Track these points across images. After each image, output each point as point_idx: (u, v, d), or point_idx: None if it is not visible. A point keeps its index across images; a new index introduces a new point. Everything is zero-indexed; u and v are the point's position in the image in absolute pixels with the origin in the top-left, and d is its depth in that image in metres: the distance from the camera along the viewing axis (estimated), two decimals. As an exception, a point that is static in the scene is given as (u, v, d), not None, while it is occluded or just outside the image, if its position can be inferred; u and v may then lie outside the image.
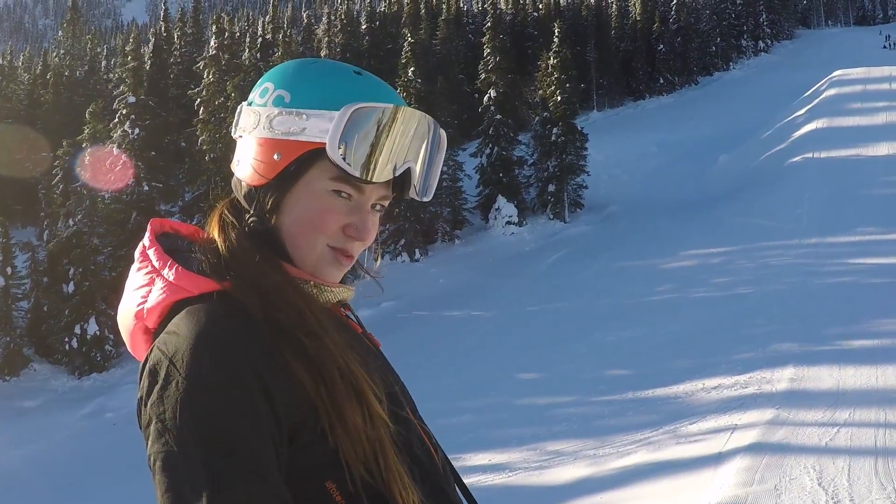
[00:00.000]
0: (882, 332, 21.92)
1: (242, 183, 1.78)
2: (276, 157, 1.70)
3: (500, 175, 48.77)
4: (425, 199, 1.86)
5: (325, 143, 1.66)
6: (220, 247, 1.71)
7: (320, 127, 1.67)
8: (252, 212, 1.76)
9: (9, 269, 37.59)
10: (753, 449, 15.26)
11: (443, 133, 1.85)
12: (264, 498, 1.42)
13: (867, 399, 17.74)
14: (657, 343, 23.47)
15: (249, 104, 1.80)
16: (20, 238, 42.24)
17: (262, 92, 1.77)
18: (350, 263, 1.80)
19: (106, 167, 40.43)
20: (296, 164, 1.70)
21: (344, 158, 1.65)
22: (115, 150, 41.63)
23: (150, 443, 1.48)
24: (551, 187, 48.53)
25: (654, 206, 44.23)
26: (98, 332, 35.97)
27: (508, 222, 46.48)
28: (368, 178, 1.68)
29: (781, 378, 19.36)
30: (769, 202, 38.39)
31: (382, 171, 1.70)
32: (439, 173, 1.88)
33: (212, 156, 42.79)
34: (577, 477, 15.45)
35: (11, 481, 23.69)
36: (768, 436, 15.90)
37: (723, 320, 24.33)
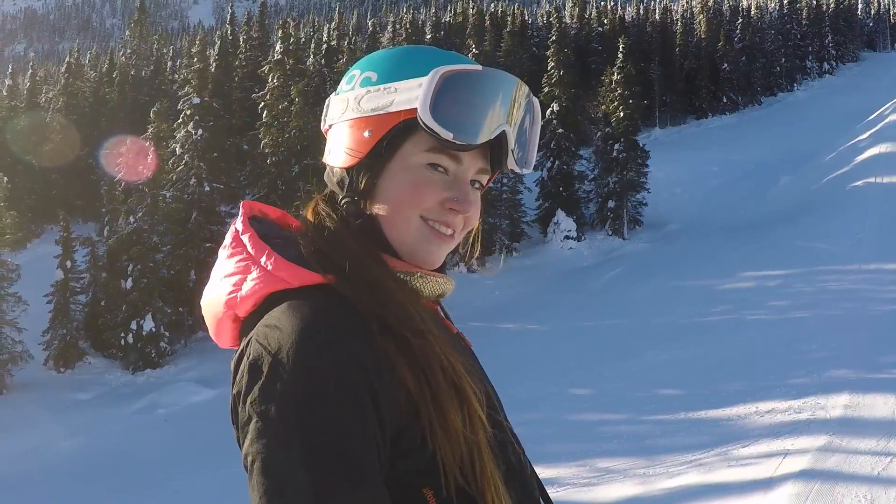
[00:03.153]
0: (938, 361, 21.69)
1: (335, 169, 1.78)
2: (366, 134, 1.68)
3: (560, 189, 48.76)
4: (525, 171, 1.82)
5: (416, 110, 1.63)
6: (316, 237, 1.69)
7: (410, 95, 1.65)
8: (344, 194, 1.75)
9: (68, 263, 38.35)
10: (805, 475, 15.15)
11: (536, 101, 1.83)
12: None
13: (921, 429, 17.60)
14: (711, 364, 23.32)
15: (337, 94, 1.80)
16: (81, 233, 42.77)
17: (349, 79, 1.78)
18: (451, 242, 1.76)
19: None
20: (388, 138, 1.67)
21: (436, 122, 1.62)
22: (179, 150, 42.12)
23: (248, 442, 1.44)
24: (611, 203, 48.48)
25: (713, 226, 43.99)
26: (154, 329, 36.45)
27: (567, 237, 46.45)
28: (462, 142, 1.65)
29: (836, 405, 19.16)
30: (829, 226, 38.04)
31: (476, 134, 1.66)
32: (537, 145, 1.86)
33: (274, 159, 43.21)
34: (626, 495, 15.34)
35: (60, 472, 24.04)
36: (820, 462, 15.77)
37: (778, 344, 24.12)
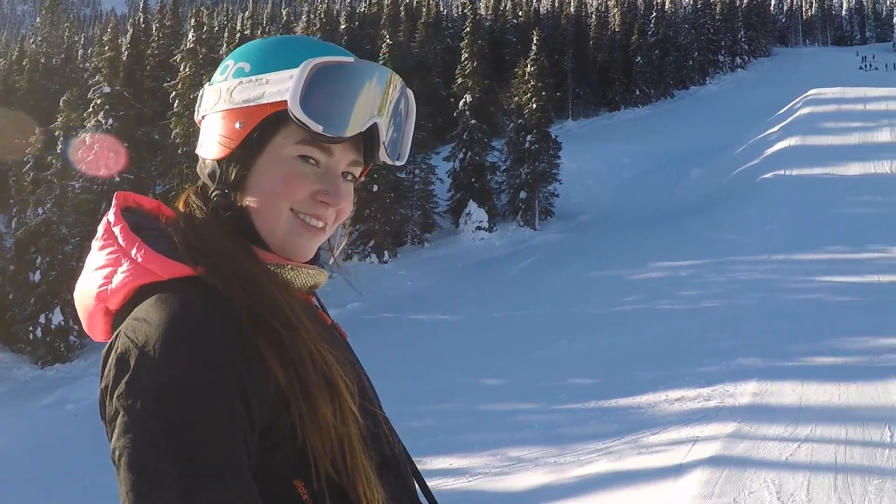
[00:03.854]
0: (845, 349, 22.06)
1: (206, 161, 1.72)
2: (237, 125, 1.64)
3: (473, 180, 48.79)
4: (398, 163, 1.80)
5: (286, 102, 1.58)
6: (187, 229, 1.64)
7: (281, 87, 1.61)
8: (215, 186, 1.70)
9: (-25, 256, 37.34)
10: (714, 462, 15.29)
11: (410, 93, 1.79)
12: (234, 502, 1.36)
13: (828, 416, 17.83)
14: (621, 353, 23.49)
15: (211, 84, 1.74)
16: (-12, 225, 41.91)
17: (223, 69, 1.72)
18: (322, 235, 1.73)
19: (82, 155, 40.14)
20: (259, 130, 1.63)
21: (306, 115, 1.58)
22: (89, 139, 41.42)
23: (115, 436, 1.39)
24: (523, 194, 48.60)
25: (625, 217, 44.33)
26: (63, 323, 35.67)
27: (478, 227, 46.45)
28: (332, 134, 1.61)
29: (744, 392, 19.41)
30: (739, 217, 38.55)
31: (346, 126, 1.63)
32: (411, 137, 1.83)
33: (185, 149, 42.55)
34: (537, 484, 15.42)
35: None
36: (729, 449, 15.94)
37: (688, 333, 24.37)
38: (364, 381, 1.77)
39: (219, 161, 1.68)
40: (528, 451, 17.01)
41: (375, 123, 1.67)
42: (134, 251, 1.57)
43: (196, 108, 1.76)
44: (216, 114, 1.68)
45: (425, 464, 16.74)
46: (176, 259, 1.56)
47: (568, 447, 16.98)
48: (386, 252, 42.91)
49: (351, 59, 1.65)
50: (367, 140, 1.71)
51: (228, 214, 1.67)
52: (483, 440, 17.99)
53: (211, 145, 1.68)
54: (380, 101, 1.68)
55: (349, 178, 1.75)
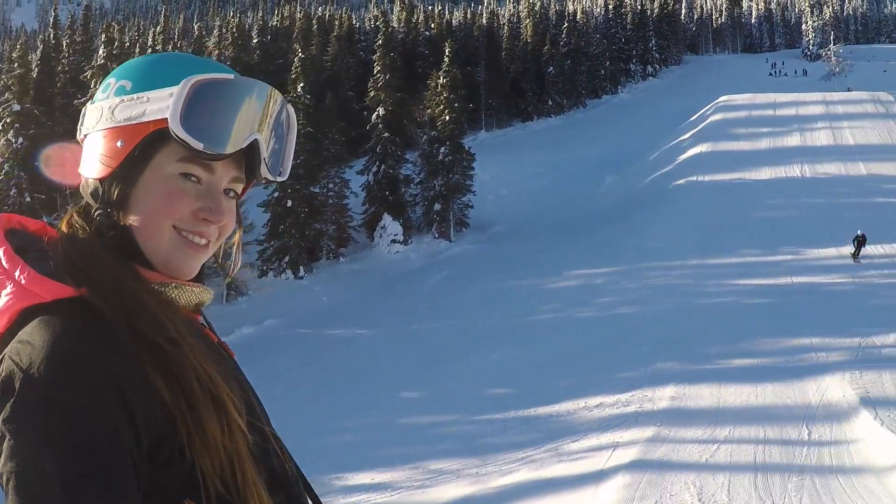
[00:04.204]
0: (760, 351, 22.42)
1: (89, 181, 1.66)
2: (119, 144, 1.59)
3: (387, 193, 48.69)
4: (279, 179, 1.76)
5: (166, 120, 1.54)
6: (70, 250, 1.59)
7: (161, 105, 1.57)
8: (98, 206, 1.64)
9: None
10: (634, 466, 15.38)
11: (291, 108, 1.76)
12: None
13: (746, 416, 18.10)
14: (540, 362, 23.56)
15: (93, 103, 1.69)
16: None
17: (105, 88, 1.68)
18: (205, 252, 1.68)
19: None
20: (140, 148, 1.58)
21: (186, 133, 1.54)
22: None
23: (2, 461, 1.34)
24: (437, 206, 48.66)
25: (540, 227, 44.53)
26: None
27: (394, 240, 46.36)
28: (213, 151, 1.57)
29: (663, 396, 19.60)
30: (653, 223, 38.92)
31: (227, 143, 1.58)
32: (293, 153, 1.79)
33: (92, 167, 41.95)
34: (460, 495, 15.44)
35: None
36: (649, 453, 16.05)
37: (605, 340, 24.50)
38: (251, 398, 1.73)
39: (101, 180, 1.63)
40: (449, 463, 16.97)
41: (256, 140, 1.64)
42: (17, 273, 1.52)
43: (78, 127, 1.71)
44: (98, 132, 1.64)
45: (348, 480, 16.65)
46: (59, 280, 1.51)
47: (489, 457, 17.00)
48: (301, 267, 42.61)
49: (231, 75, 1.64)
50: (249, 156, 1.67)
51: (111, 234, 1.62)
52: (404, 453, 17.93)
53: (93, 164, 1.63)
54: (260, 117, 1.65)
55: (231, 194, 1.69)
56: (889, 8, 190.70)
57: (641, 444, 16.66)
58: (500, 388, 21.91)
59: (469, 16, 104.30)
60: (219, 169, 1.63)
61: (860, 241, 32.76)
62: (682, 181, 45.94)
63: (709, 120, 58.30)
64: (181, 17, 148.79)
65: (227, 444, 1.48)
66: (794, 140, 52.08)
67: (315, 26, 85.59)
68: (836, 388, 19.65)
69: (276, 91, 1.71)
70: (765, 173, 45.83)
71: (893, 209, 39.31)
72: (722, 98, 63.62)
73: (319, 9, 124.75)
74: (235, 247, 1.85)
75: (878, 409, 17.85)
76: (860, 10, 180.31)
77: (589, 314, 28.04)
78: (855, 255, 32.63)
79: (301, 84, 46.64)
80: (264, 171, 1.69)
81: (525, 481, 15.49)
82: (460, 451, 17.56)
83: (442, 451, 17.86)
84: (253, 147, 1.65)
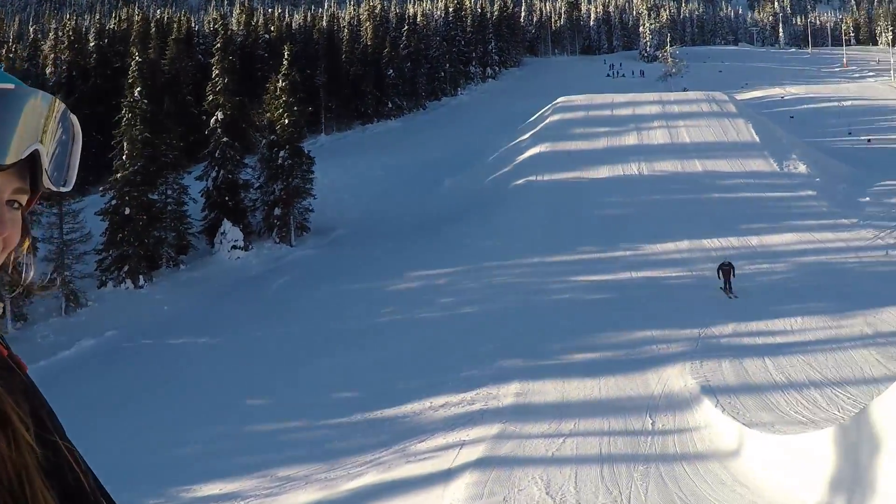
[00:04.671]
0: (601, 345, 22.83)
1: None
2: None
3: (226, 198, 47.97)
4: (64, 189, 1.62)
5: None
6: None
7: None
8: None
9: None
10: (482, 463, 15.45)
11: (74, 117, 1.68)
12: None
13: (590, 410, 18.43)
14: (384, 364, 23.62)
15: None
16: None
17: None
18: None
19: None
20: None
21: None
22: None
23: None
24: (277, 211, 48.18)
25: (381, 229, 44.48)
26: None
27: (234, 246, 45.75)
28: None
29: (507, 393, 19.79)
30: (493, 223, 39.24)
31: (6, 154, 1.50)
32: (77, 163, 1.69)
33: None
34: (309, 501, 15.54)
35: None
36: (496, 450, 16.16)
37: (449, 339, 24.62)
38: (42, 411, 1.61)
39: None
40: (297, 470, 16.93)
41: (37, 150, 1.57)
42: None
43: None
44: None
45: (196, 491, 16.42)
46: None
47: (337, 462, 17.02)
48: (141, 276, 41.68)
49: (11, 85, 1.54)
50: (32, 167, 1.60)
51: None
52: (252, 462, 17.85)
53: None
54: (41, 127, 1.59)
55: (15, 206, 1.60)
56: (724, 10, 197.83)
57: (488, 441, 16.77)
58: (345, 391, 21.89)
59: (309, 18, 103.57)
60: (0, 180, 1.55)
61: (726, 272, 29.16)
62: (521, 181, 46.44)
63: (547, 120, 59.06)
64: (16, 19, 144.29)
65: (15, 459, 1.39)
66: (631, 139, 53.19)
67: (153, 29, 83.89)
68: (677, 379, 20.18)
69: (59, 101, 1.64)
70: (603, 172, 46.69)
71: (728, 204, 40.43)
72: (560, 99, 64.50)
73: (158, 11, 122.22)
74: (25, 257, 1.72)
75: (719, 397, 18.42)
76: (696, 12, 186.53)
77: (432, 315, 28.12)
78: (727, 290, 28.58)
79: (138, 88, 45.59)
80: (47, 182, 1.62)
81: (373, 484, 15.54)
82: (308, 457, 17.55)
83: (290, 457, 17.87)
84: (34, 157, 1.58)
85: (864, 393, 17.71)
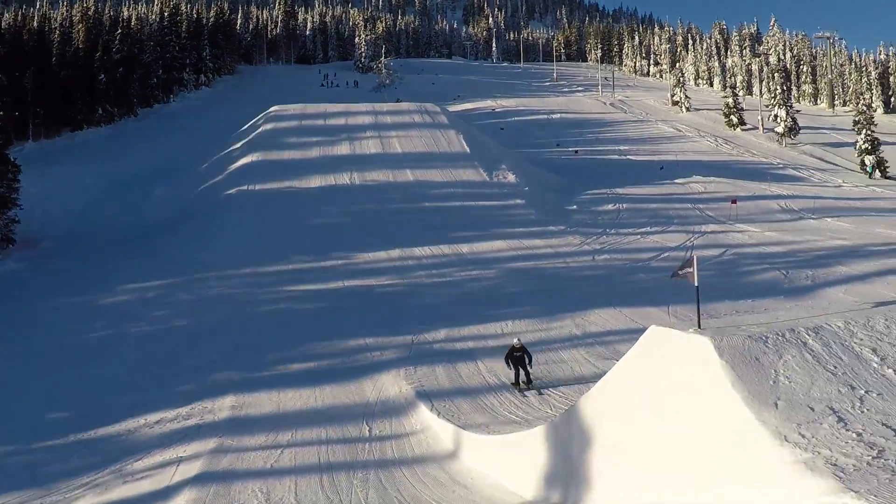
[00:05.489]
0: (316, 354, 23.14)
1: None
2: None
3: (-76, 210, 45.23)
4: None
5: None
6: None
7: None
8: None
9: None
10: (200, 479, 15.44)
11: None
12: None
13: (308, 419, 18.69)
14: (97, 381, 23.12)
15: None
16: None
17: None
18: None
19: None
20: None
21: None
22: None
23: None
24: (-20, 221, 45.76)
25: (91, 241, 43.10)
26: None
27: (-71, 261, 43.19)
28: None
29: (223, 407, 19.77)
30: (206, 233, 38.85)
31: None
32: None
33: None
34: None
35: None
36: (214, 464, 16.16)
37: (162, 353, 24.32)
38: None
39: None
40: (9, 497, 16.46)
41: None
42: None
43: None
44: None
45: None
46: None
47: (52, 486, 16.66)
48: None
49: None
50: None
51: None
52: (-41, 495, 16.98)
53: None
54: None
55: None
56: (440, 24, 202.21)
57: (205, 456, 16.73)
58: (58, 411, 21.21)
59: (19, 18, 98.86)
60: None
61: (518, 361, 20.71)
62: (233, 191, 46.04)
63: (260, 129, 58.73)
64: None
65: None
66: (344, 149, 53.56)
67: None
68: (392, 385, 20.73)
69: None
70: (316, 181, 46.88)
71: (439, 213, 41.37)
72: (273, 108, 64.21)
73: None
74: None
75: (434, 401, 19.10)
76: (412, 25, 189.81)
77: (146, 329, 27.56)
78: (523, 383, 20.49)
79: None
80: None
81: (91, 507, 15.18)
82: (20, 483, 16.95)
83: (1, 484, 17.00)
84: None
85: (573, 391, 18.73)
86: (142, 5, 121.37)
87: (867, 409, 9.00)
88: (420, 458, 16.66)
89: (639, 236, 38.93)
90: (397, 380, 20.98)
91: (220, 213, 42.29)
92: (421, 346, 23.82)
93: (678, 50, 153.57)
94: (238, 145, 56.59)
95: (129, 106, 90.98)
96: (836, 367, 9.85)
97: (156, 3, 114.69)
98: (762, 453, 8.42)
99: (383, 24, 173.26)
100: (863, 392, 9.36)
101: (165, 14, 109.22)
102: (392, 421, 18.68)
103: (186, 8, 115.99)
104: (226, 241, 37.06)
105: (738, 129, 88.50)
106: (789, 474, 7.93)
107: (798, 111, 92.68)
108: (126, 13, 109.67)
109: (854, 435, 8.44)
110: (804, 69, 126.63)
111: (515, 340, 21.04)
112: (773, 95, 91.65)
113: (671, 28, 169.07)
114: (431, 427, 18.11)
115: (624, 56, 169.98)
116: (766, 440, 8.47)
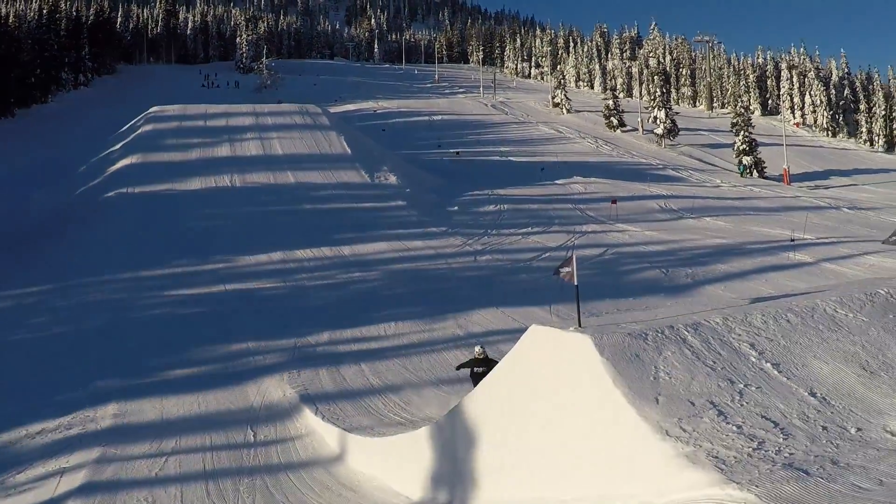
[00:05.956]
0: (199, 359, 22.94)
1: None
2: None
3: None
4: None
5: None
6: None
7: None
8: None
9: None
10: (84, 490, 15.29)
11: None
12: None
13: (192, 426, 18.55)
14: (-28, 392, 22.30)
15: None
16: None
17: None
18: None
19: None
20: None
21: None
22: None
23: None
24: None
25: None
26: None
27: None
28: None
29: (105, 415, 19.50)
30: (84, 238, 38.11)
31: None
32: None
33: None
34: None
35: None
36: (98, 474, 16.00)
37: (42, 362, 23.81)
38: None
39: None
40: None
41: None
42: None
43: None
44: None
45: None
46: None
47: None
48: None
49: None
50: None
51: None
52: None
53: None
54: None
55: None
56: (322, 25, 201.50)
57: (89, 466, 16.53)
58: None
59: None
60: None
61: (480, 375, 15.72)
62: (112, 193, 45.24)
63: (139, 131, 57.77)
64: None
65: None
66: (224, 150, 53.02)
67: None
68: (276, 389, 20.63)
69: None
70: (196, 183, 46.33)
71: (321, 215, 41.28)
72: (153, 109, 63.24)
73: None
74: None
75: (318, 405, 19.11)
76: (294, 25, 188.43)
77: (23, 336, 26.88)
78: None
79: None
80: None
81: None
82: None
83: None
84: None
85: (457, 391, 18.79)
86: (20, 3, 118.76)
87: (746, 403, 9.20)
88: (306, 462, 16.66)
89: (520, 237, 39.30)
90: (281, 384, 20.89)
91: (99, 216, 41.47)
92: (304, 350, 23.67)
93: (559, 52, 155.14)
94: (117, 147, 55.57)
95: (7, 106, 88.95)
96: (715, 362, 10.05)
97: (34, 0, 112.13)
98: (645, 448, 8.53)
99: (265, 23, 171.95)
100: (742, 386, 9.56)
101: (44, 12, 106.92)
102: (277, 425, 18.61)
103: (66, 6, 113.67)
104: (105, 245, 36.34)
105: (619, 131, 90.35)
106: (672, 468, 8.05)
107: (677, 113, 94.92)
108: (4, 10, 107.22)
109: (734, 428, 8.62)
110: (683, 72, 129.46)
111: (478, 349, 17.77)
112: (652, 98, 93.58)
113: (553, 31, 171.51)
114: (316, 431, 18.11)
115: (506, 58, 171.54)
116: (649, 435, 8.57)
